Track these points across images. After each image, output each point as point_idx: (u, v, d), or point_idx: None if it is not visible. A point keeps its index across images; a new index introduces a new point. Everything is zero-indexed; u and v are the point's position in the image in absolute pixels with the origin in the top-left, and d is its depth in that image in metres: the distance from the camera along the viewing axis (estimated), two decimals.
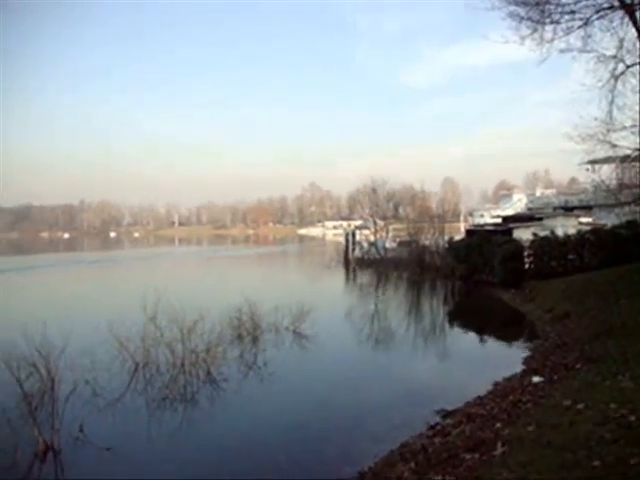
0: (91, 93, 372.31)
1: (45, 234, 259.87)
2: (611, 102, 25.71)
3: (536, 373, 17.83)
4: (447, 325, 32.13)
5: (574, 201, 65.62)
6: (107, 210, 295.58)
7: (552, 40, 25.86)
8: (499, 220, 63.45)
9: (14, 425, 14.47)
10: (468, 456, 10.82)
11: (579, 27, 25.44)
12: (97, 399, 17.57)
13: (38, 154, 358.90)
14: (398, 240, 69.54)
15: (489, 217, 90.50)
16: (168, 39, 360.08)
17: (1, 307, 38.11)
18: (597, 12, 24.99)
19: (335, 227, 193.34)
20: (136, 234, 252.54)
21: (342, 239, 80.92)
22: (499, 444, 10.63)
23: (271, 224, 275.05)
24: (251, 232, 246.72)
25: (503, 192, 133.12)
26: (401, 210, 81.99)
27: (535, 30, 25.85)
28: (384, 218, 74.52)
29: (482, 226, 63.97)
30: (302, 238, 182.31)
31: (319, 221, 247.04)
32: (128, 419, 16.48)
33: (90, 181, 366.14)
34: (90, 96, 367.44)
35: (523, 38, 26.09)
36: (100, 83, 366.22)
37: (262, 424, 15.96)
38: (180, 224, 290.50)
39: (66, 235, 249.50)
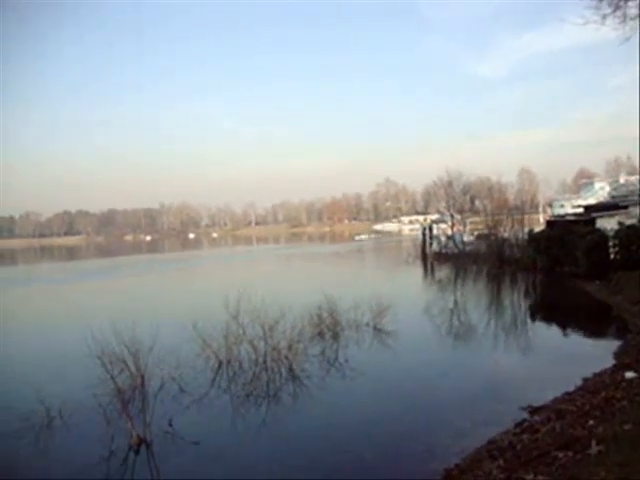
0: (164, 95, 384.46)
1: (129, 237, 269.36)
2: None
3: (629, 368, 17.05)
4: (529, 319, 31.28)
5: None
6: (186, 212, 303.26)
7: (637, 17, 24.64)
8: (581, 210, 61.34)
9: (109, 418, 15.21)
10: (560, 454, 10.47)
11: None
12: (183, 395, 18.05)
13: (121, 160, 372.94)
14: (476, 233, 68.27)
15: (570, 207, 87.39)
16: (237, 40, 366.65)
17: (94, 307, 39.79)
18: None
19: (411, 222, 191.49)
20: (214, 235, 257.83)
21: (418, 234, 80.00)
22: (594, 442, 10.20)
23: (347, 221, 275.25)
24: (327, 229, 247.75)
25: (584, 181, 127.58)
26: (478, 203, 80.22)
27: (618, 7, 24.69)
28: (461, 211, 73.16)
29: (563, 216, 61.93)
30: (377, 233, 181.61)
31: (394, 216, 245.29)
32: (214, 415, 16.87)
33: (169, 184, 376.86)
34: (159, 99, 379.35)
35: (604, 17, 24.92)
36: (168, 85, 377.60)
37: (345, 420, 15.98)
38: (257, 223, 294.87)
39: (148, 237, 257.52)
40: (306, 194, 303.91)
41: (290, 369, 20.38)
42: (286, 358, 20.83)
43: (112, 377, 15.78)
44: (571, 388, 16.51)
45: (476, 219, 73.88)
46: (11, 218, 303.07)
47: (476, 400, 16.74)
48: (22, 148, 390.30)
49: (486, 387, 18.07)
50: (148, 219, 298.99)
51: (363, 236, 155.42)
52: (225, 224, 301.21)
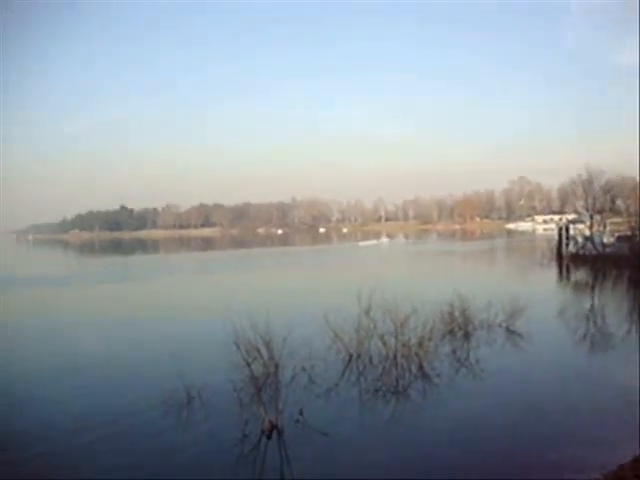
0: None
1: (261, 230, 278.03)
2: None
3: None
4: None
5: None
6: (317, 207, 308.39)
7: None
8: None
9: (243, 403, 15.82)
10: None
11: None
12: (313, 386, 18.35)
13: (255, 156, 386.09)
14: (617, 235, 64.30)
15: None
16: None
17: (230, 296, 41.52)
18: None
19: (545, 221, 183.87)
20: (344, 230, 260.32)
21: (553, 234, 76.52)
22: None
23: (478, 219, 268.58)
24: (457, 227, 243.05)
25: None
26: (620, 202, 75.64)
27: None
28: (601, 211, 69.05)
29: None
30: (510, 233, 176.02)
31: (528, 215, 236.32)
32: (342, 407, 16.94)
33: (301, 179, 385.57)
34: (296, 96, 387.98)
35: None
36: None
37: (473, 422, 15.58)
38: (387, 219, 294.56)
39: (279, 231, 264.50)
40: (437, 191, 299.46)
41: (420, 366, 20.16)
42: (416, 355, 20.62)
43: (248, 364, 16.37)
44: None
45: (617, 220, 69.51)
46: (154, 210, 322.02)
47: (615, 412, 15.74)
48: (164, 144, 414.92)
49: (627, 399, 16.91)
50: (280, 213, 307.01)
51: (495, 235, 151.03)
52: (355, 219, 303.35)
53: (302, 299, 37.38)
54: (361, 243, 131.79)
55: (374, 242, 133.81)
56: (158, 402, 16.71)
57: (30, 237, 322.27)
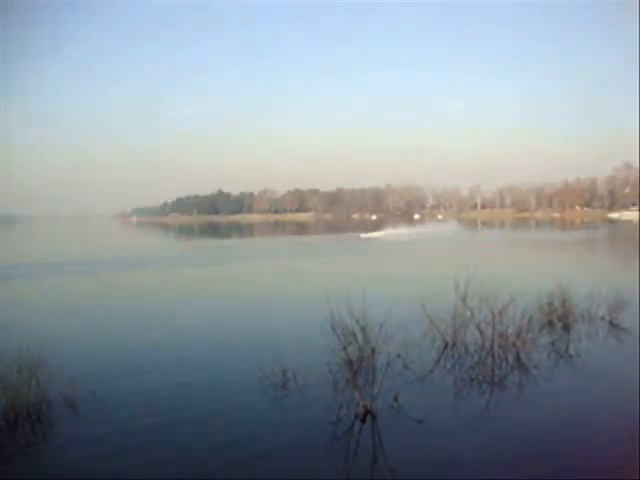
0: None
1: (355, 215, 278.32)
2: None
3: None
4: None
5: None
6: (412, 193, 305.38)
7: None
8: None
9: (338, 386, 16.01)
10: None
11: None
12: (408, 372, 18.31)
13: (348, 141, 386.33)
14: None
15: None
16: None
17: (325, 279, 41.93)
18: None
19: None
20: (439, 216, 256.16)
21: None
22: None
23: (578, 207, 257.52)
24: (556, 215, 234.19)
25: None
26: None
27: None
28: None
29: None
30: (613, 222, 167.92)
31: (634, 204, 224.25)
32: (437, 395, 16.83)
33: (396, 164, 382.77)
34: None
35: None
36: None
37: (573, 418, 15.06)
38: (482, 207, 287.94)
39: (374, 217, 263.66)
40: (536, 178, 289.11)
41: (517, 357, 19.71)
42: (514, 345, 20.14)
43: (345, 348, 16.51)
44: None
45: None
46: (251, 195, 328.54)
47: None
48: (260, 129, 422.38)
49: None
50: (374, 199, 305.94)
51: (596, 224, 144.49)
52: (450, 206, 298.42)
53: (397, 284, 37.23)
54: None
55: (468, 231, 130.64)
56: (255, 383, 17.23)
57: (134, 220, 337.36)
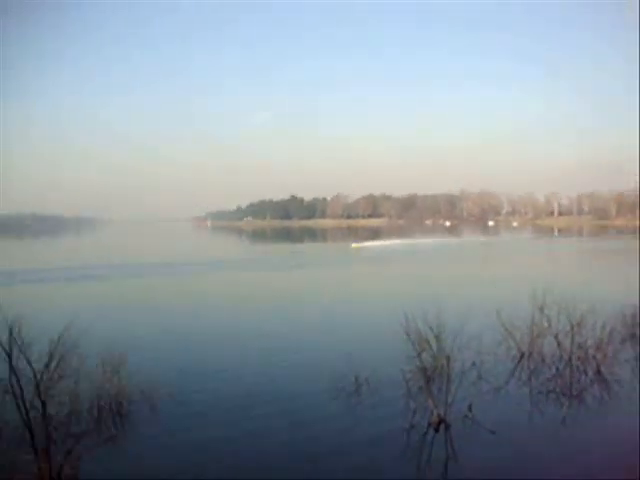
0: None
1: (428, 222, 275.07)
2: None
3: None
4: None
5: None
6: (486, 199, 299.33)
7: None
8: None
9: (412, 393, 15.90)
10: None
11: None
12: (482, 382, 18.00)
13: (417, 144, 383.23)
14: None
15: None
16: None
17: (396, 284, 41.76)
18: None
19: None
20: (514, 223, 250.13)
21: None
22: None
23: None
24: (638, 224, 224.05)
25: None
26: None
27: None
28: None
29: None
30: None
31: None
32: (511, 407, 16.49)
33: (470, 170, 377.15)
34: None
35: None
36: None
37: None
38: (559, 214, 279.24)
39: (447, 223, 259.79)
40: (617, 185, 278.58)
41: (597, 371, 19.00)
42: (594, 358, 19.43)
43: (419, 354, 16.36)
44: None
45: None
46: (324, 200, 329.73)
47: None
48: (335, 135, 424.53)
49: None
50: (448, 205, 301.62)
51: None
52: (526, 213, 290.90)
53: (471, 291, 36.60)
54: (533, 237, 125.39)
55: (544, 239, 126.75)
56: (324, 388, 17.36)
57: (209, 223, 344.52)
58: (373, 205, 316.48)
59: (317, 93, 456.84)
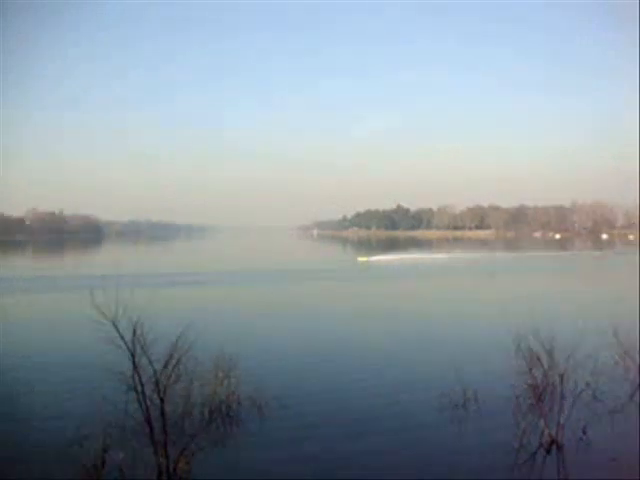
0: None
1: (537, 234, 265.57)
2: None
3: None
4: None
5: None
6: (599, 211, 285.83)
7: None
8: None
9: (522, 410, 15.47)
10: None
11: None
12: (597, 403, 17.12)
13: (523, 153, 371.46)
14: None
15: None
16: None
17: (505, 297, 40.62)
18: None
19: None
20: (630, 236, 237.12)
21: None
22: None
23: None
24: None
25: None
26: None
27: None
28: None
29: None
30: None
31: None
32: (630, 432, 15.35)
33: (583, 181, 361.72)
34: None
35: None
36: None
37: None
38: None
39: (557, 236, 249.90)
40: None
41: None
42: None
43: (530, 371, 15.80)
44: None
45: None
46: (429, 210, 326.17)
47: None
48: (439, 145, 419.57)
49: None
50: (558, 217, 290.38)
51: None
52: None
53: (584, 307, 34.97)
54: None
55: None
56: (434, 404, 17.14)
57: (315, 232, 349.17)
58: (480, 216, 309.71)
59: (430, 104, 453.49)
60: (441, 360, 21.34)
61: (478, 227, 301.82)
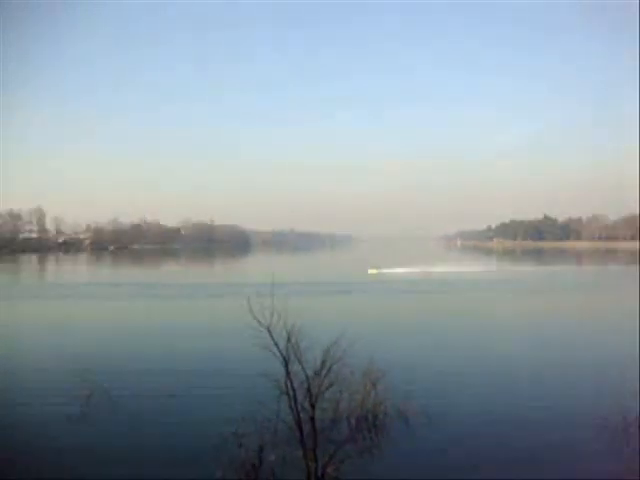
0: None
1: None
2: None
3: None
4: None
5: None
6: None
7: None
8: None
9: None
10: None
11: None
12: None
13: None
14: None
15: None
16: None
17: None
18: None
19: None
20: None
21: None
22: None
23: None
24: None
25: None
26: None
27: None
28: None
29: None
30: None
31: None
32: None
33: None
34: None
35: None
36: None
37: None
38: None
39: None
40: None
41: None
42: None
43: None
44: None
45: None
46: (579, 220, 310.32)
47: None
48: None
49: None
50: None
51: None
52: None
53: None
54: None
55: None
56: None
57: (458, 243, 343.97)
58: (636, 227, 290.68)
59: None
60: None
61: (634, 238, 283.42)
